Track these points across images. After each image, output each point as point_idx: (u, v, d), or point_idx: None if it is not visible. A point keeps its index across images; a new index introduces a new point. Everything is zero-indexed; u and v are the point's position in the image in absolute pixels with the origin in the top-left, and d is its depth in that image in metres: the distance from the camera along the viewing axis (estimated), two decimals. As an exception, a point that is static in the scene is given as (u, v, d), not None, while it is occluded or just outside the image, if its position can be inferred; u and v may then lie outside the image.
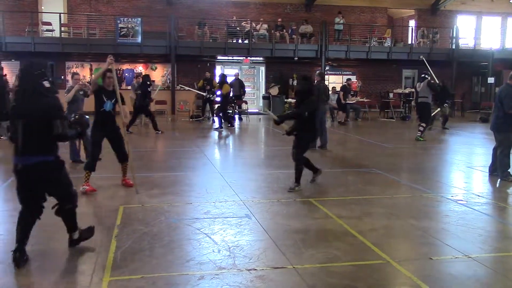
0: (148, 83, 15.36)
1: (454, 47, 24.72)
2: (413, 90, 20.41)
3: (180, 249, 5.02)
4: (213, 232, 5.51)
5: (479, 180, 8.94)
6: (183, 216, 6.18)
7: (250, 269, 4.52)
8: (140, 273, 4.36)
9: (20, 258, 4.45)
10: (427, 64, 16.34)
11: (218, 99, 17.86)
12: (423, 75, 14.40)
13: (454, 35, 24.78)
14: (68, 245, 4.99)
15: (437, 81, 16.99)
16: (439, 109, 17.22)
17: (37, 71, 4.51)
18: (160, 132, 14.83)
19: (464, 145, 13.73)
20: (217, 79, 18.90)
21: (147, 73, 18.75)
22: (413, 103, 20.36)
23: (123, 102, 7.46)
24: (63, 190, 4.72)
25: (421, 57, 19.55)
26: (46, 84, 4.49)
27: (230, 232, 5.56)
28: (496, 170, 8.72)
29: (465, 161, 10.80)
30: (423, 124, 13.88)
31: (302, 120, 7.53)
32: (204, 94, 18.36)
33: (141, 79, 16.28)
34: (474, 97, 26.66)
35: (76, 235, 4.98)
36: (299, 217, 6.23)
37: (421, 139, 13.69)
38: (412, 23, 27.23)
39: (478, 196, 7.48)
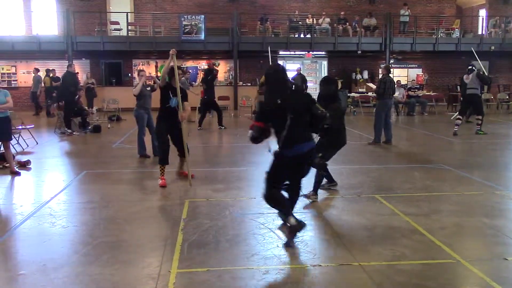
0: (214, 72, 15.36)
1: (529, 36, 23.43)
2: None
3: (245, 243, 5.05)
4: (277, 227, 5.51)
5: (557, 177, 8.44)
6: (247, 210, 6.22)
7: (315, 265, 4.48)
8: (206, 266, 4.43)
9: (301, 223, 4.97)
10: (476, 55, 15.60)
11: None
12: (470, 67, 13.81)
13: (529, 24, 23.48)
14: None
15: (486, 72, 16.10)
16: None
17: (285, 75, 5.14)
18: (223, 127, 14.99)
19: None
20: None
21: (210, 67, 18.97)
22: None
23: (186, 99, 7.64)
24: (309, 170, 5.25)
25: (492, 47, 18.66)
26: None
27: (294, 228, 5.54)
28: None
29: (541, 157, 10.24)
30: (480, 117, 13.39)
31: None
32: None
33: (203, 74, 16.40)
34: (550, 89, 25.18)
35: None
36: (364, 213, 6.11)
37: (481, 132, 13.20)
38: (482, 12, 26.02)
39: (557, 194, 7.06)
